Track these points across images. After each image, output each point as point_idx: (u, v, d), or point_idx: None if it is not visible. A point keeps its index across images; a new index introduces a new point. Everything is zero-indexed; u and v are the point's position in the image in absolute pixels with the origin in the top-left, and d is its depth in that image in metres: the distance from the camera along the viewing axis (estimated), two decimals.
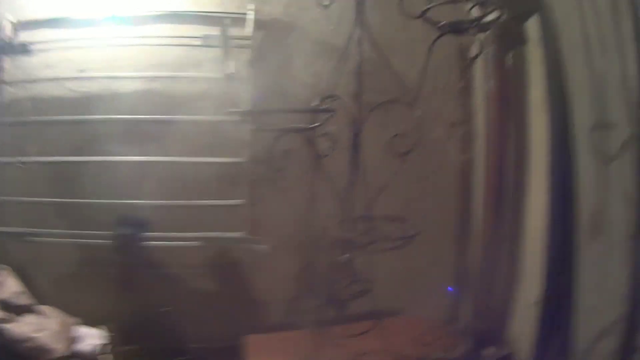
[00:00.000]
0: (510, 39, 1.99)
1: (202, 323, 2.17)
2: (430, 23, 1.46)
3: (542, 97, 1.87)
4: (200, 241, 2.03)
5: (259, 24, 2.07)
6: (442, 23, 1.44)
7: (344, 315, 1.87)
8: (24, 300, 1.89)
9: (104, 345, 1.93)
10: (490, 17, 1.45)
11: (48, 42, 1.98)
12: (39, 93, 2.00)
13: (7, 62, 1.98)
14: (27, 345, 1.69)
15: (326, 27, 1.72)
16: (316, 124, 1.55)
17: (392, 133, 1.63)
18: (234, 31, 1.99)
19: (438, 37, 1.50)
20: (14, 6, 1.97)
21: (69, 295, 2.03)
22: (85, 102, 2.01)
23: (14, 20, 1.95)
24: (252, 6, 2.02)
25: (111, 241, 1.97)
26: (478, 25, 1.43)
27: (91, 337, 1.93)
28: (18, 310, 1.82)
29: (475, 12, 1.47)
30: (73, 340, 1.86)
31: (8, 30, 1.94)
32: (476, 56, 1.61)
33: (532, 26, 1.92)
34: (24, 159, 1.96)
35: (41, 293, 2.02)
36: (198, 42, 2.02)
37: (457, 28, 1.48)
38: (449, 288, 2.36)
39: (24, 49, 1.97)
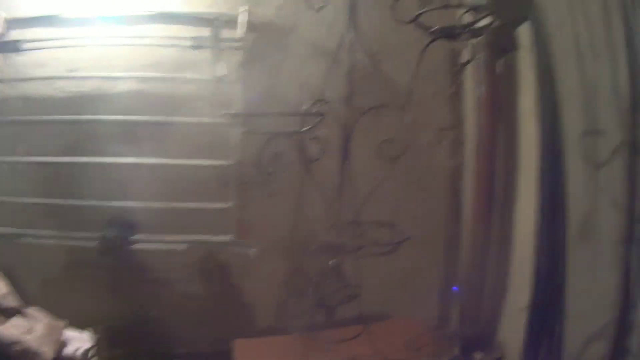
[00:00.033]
0: (501, 45, 2.00)
1: (190, 327, 2.16)
2: (422, 28, 1.45)
3: (533, 103, 1.88)
4: (188, 244, 2.01)
5: (251, 26, 2.06)
6: (434, 28, 1.43)
7: (333, 319, 1.86)
8: (12, 302, 1.87)
9: (92, 348, 1.91)
10: (482, 23, 1.45)
11: (40, 40, 1.95)
12: (30, 92, 1.98)
13: None
14: (15, 348, 1.67)
15: (318, 31, 1.71)
16: (306, 128, 1.53)
17: (382, 137, 1.63)
18: (226, 33, 1.99)
19: (430, 42, 1.50)
20: (6, 3, 1.95)
21: (57, 297, 2.00)
22: (76, 102, 1.99)
23: (6, 17, 1.93)
24: (245, 8, 2.01)
25: (99, 243, 1.95)
26: (470, 31, 1.43)
27: (79, 340, 1.91)
28: (6, 312, 1.80)
29: (468, 18, 1.46)
30: (61, 343, 1.85)
31: (0, 27, 1.92)
32: (468, 62, 1.60)
33: (524, 32, 1.92)
34: (6, 158, 1.93)
35: (29, 295, 2.00)
36: (189, 43, 2.00)
37: (449, 33, 1.47)
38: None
39: (15, 47, 1.94)
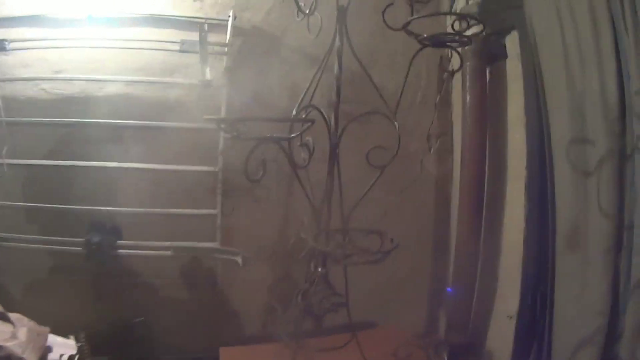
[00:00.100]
0: (490, 53, 2.01)
1: (177, 334, 2.13)
2: (412, 35, 1.44)
3: (521, 111, 1.89)
4: (173, 250, 1.97)
5: (238, 31, 2.05)
6: (423, 36, 1.42)
7: (321, 327, 1.84)
8: None
9: (76, 354, 1.86)
10: (471, 31, 1.45)
11: (25, 40, 1.92)
12: (14, 93, 1.94)
13: None
14: None
15: (306, 36, 1.70)
16: (295, 134, 1.51)
17: (371, 145, 1.62)
18: (213, 37, 1.96)
19: (419, 50, 1.49)
20: None
21: (41, 302, 1.94)
22: (61, 104, 1.96)
23: None
24: (232, 12, 2.00)
25: (84, 248, 1.91)
26: (459, 38, 1.43)
27: (63, 346, 1.86)
28: None
29: (457, 26, 1.46)
30: (45, 349, 1.80)
31: None
32: (457, 70, 1.60)
33: (512, 41, 1.94)
34: None
35: (12, 300, 1.96)
36: (176, 47, 1.98)
37: (438, 41, 1.47)
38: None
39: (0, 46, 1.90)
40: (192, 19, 2.00)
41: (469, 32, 1.46)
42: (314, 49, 2.07)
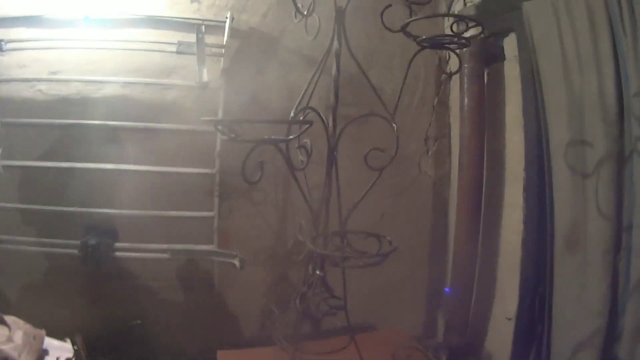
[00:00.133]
0: (488, 55, 2.01)
1: (174, 336, 2.11)
2: (410, 37, 1.44)
3: (519, 113, 1.89)
4: (170, 253, 1.96)
5: (235, 33, 2.04)
6: (422, 37, 1.42)
7: (318, 330, 1.83)
8: None
9: (72, 357, 1.84)
10: (469, 33, 1.44)
11: (22, 40, 1.91)
12: (10, 93, 1.92)
13: None
14: None
15: (304, 38, 1.70)
16: (292, 136, 1.50)
17: (368, 147, 1.61)
18: (210, 39, 1.96)
19: (418, 51, 1.49)
20: None
21: (36, 305, 1.92)
22: (57, 105, 1.94)
23: None
24: (229, 14, 1.99)
25: (80, 251, 1.89)
26: (458, 40, 1.42)
27: (59, 349, 1.84)
28: None
29: (455, 28, 1.45)
30: (41, 352, 1.78)
31: None
32: (455, 72, 1.60)
33: (511, 43, 1.94)
34: None
35: (8, 303, 1.95)
36: (173, 48, 1.98)
37: (437, 43, 1.46)
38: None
39: None
40: (189, 20, 1.99)
41: (467, 34, 1.45)
42: (311, 50, 2.08)
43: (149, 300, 2.07)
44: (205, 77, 1.93)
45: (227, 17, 1.98)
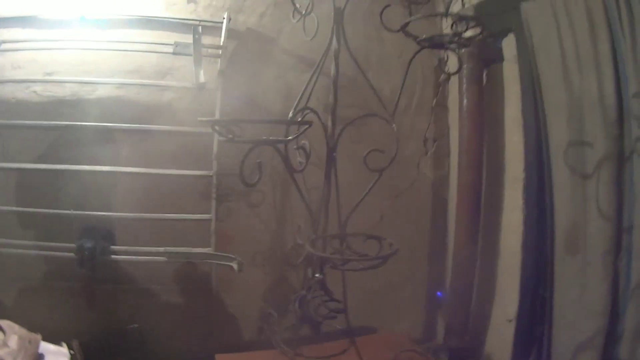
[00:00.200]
0: (486, 55, 2.01)
1: (171, 341, 2.09)
2: (410, 37, 1.43)
3: (518, 114, 1.89)
4: (167, 256, 1.94)
5: (232, 34, 2.03)
6: (422, 37, 1.41)
7: (318, 334, 1.82)
8: None
9: None
10: (469, 33, 1.44)
11: (16, 41, 1.89)
12: (4, 95, 1.90)
13: None
14: None
15: (301, 39, 1.69)
16: (291, 137, 1.49)
17: (366, 148, 1.60)
18: (207, 40, 1.95)
19: (418, 51, 1.48)
20: None
21: (31, 309, 1.92)
22: (52, 106, 1.92)
23: None
24: (226, 15, 1.98)
25: (75, 254, 1.87)
26: (458, 40, 1.41)
27: (55, 354, 1.82)
28: None
29: (454, 28, 1.44)
30: (36, 357, 1.76)
31: None
32: (454, 72, 1.59)
33: (510, 43, 1.94)
34: None
35: (1, 307, 1.93)
36: (169, 49, 1.96)
37: (436, 43, 1.45)
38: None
39: None
40: (185, 21, 1.98)
41: (466, 35, 1.45)
42: (309, 52, 2.07)
43: (146, 304, 2.05)
44: (202, 78, 1.91)
45: (224, 18, 1.97)
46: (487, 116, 2.03)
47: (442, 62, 1.83)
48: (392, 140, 1.60)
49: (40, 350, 1.79)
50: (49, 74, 1.92)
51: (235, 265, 1.89)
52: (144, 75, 1.99)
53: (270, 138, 1.49)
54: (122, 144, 1.98)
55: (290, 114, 1.58)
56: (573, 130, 1.61)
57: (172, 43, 1.95)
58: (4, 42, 1.87)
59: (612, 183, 1.51)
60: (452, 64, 1.65)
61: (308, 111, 1.57)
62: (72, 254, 1.88)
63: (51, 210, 1.90)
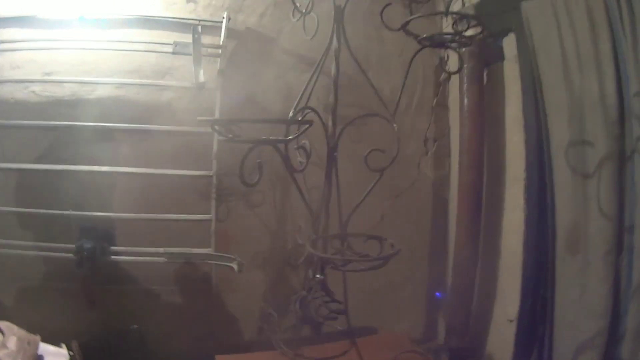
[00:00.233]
0: (487, 55, 2.00)
1: (170, 342, 2.09)
2: (411, 35, 1.42)
3: (519, 114, 1.88)
4: (167, 256, 1.94)
5: (231, 33, 2.03)
6: (423, 36, 1.40)
7: (318, 334, 1.82)
8: None
9: None
10: (470, 32, 1.43)
11: (15, 41, 1.88)
12: (2, 95, 1.90)
13: None
14: None
15: (301, 39, 1.69)
16: (291, 137, 1.49)
17: (366, 148, 1.60)
18: (206, 39, 1.94)
19: (419, 50, 1.47)
20: None
21: (30, 310, 1.91)
22: (51, 106, 1.92)
23: None
24: (226, 14, 1.97)
25: (74, 254, 1.86)
26: (460, 39, 1.41)
27: (54, 355, 1.81)
28: None
29: (455, 27, 1.44)
30: (34, 358, 1.75)
31: None
32: (455, 71, 1.59)
33: (509, 43, 1.93)
34: None
35: (0, 308, 1.93)
36: (168, 49, 1.95)
37: (437, 42, 1.45)
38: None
39: None
40: (185, 21, 1.98)
41: (467, 34, 1.44)
42: (308, 51, 2.07)
43: (146, 305, 2.05)
44: (201, 78, 1.91)
45: (223, 18, 1.97)
46: (487, 116, 2.03)
47: (442, 62, 1.84)
48: (393, 140, 1.59)
49: (40, 351, 1.78)
50: (48, 74, 1.91)
51: (235, 266, 1.88)
52: (144, 75, 1.98)
53: (271, 138, 1.49)
54: (122, 144, 1.97)
55: (291, 114, 1.57)
56: (574, 130, 1.60)
57: (172, 43, 1.94)
58: (3, 42, 1.87)
59: (613, 183, 1.50)
60: (452, 63, 1.65)
61: (309, 111, 1.56)
62: (71, 255, 1.87)
63: (50, 211, 1.90)
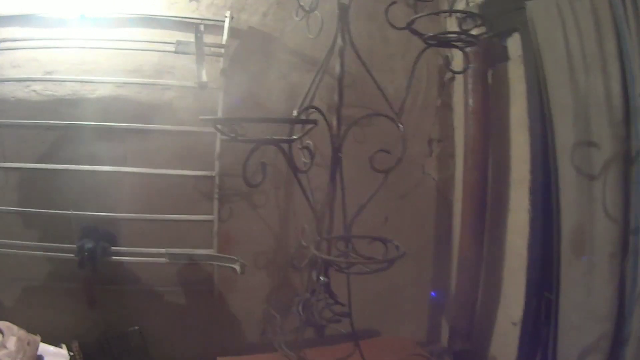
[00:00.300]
0: (492, 55, 1.99)
1: (172, 343, 2.08)
2: (416, 34, 1.41)
3: (524, 114, 1.87)
4: (169, 257, 1.93)
5: (234, 32, 2.01)
6: (428, 35, 1.39)
7: (321, 337, 1.80)
8: None
9: None
10: (475, 32, 1.42)
11: (16, 40, 1.87)
12: (3, 94, 1.89)
13: None
14: None
15: (304, 38, 1.68)
16: (295, 136, 1.47)
17: (370, 148, 1.58)
18: (209, 38, 1.93)
19: (424, 50, 1.46)
20: None
21: (31, 310, 1.91)
22: (52, 106, 1.91)
23: None
24: (228, 13, 1.96)
25: (75, 254, 1.85)
26: (466, 38, 1.39)
27: (54, 356, 1.81)
28: None
29: (461, 26, 1.43)
30: (34, 359, 1.74)
31: None
32: (460, 71, 1.57)
33: (514, 43, 1.92)
34: None
35: (0, 308, 1.91)
36: (171, 48, 1.93)
37: (443, 41, 1.43)
38: (432, 293, 2.33)
39: None
40: (187, 20, 1.97)
41: (474, 32, 1.43)
42: (312, 50, 2.06)
43: (147, 306, 2.04)
44: (204, 77, 1.89)
45: (226, 17, 1.96)
46: (492, 116, 2.02)
47: (447, 61, 1.83)
48: (397, 140, 1.58)
49: (40, 351, 1.77)
50: (49, 73, 1.90)
51: (237, 267, 1.87)
52: (146, 74, 1.97)
53: (274, 137, 1.47)
54: (123, 144, 1.96)
55: (295, 113, 1.56)
56: (579, 131, 1.59)
57: (174, 42, 1.93)
58: (4, 40, 1.86)
59: (619, 184, 1.49)
60: (456, 63, 1.64)
61: (313, 110, 1.55)
62: (72, 255, 1.86)
63: (51, 211, 1.89)
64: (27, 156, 1.90)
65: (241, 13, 2.07)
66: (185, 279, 2.06)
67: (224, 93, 1.96)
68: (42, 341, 1.80)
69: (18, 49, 1.87)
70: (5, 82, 1.88)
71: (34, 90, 1.90)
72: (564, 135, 1.64)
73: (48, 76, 1.90)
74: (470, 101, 2.00)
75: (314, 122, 1.44)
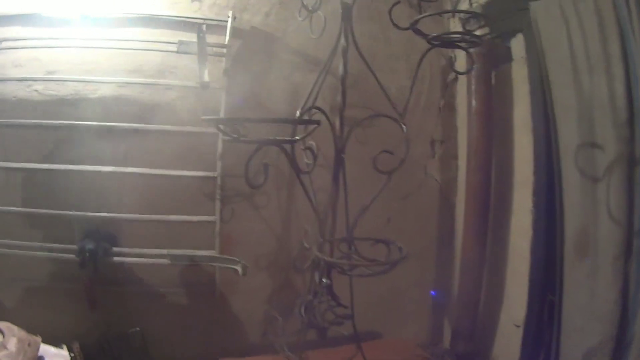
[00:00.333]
0: (495, 56, 1.98)
1: (173, 345, 2.07)
2: (420, 35, 1.40)
3: (527, 116, 1.87)
4: (170, 258, 1.92)
5: (237, 32, 2.01)
6: (432, 35, 1.38)
7: (323, 339, 1.80)
8: None
9: None
10: (479, 32, 1.41)
11: (18, 39, 1.87)
12: (5, 93, 1.88)
13: None
14: None
15: (306, 38, 1.67)
16: (298, 137, 1.46)
17: (372, 149, 1.58)
18: (211, 38, 1.92)
19: (428, 50, 1.45)
20: None
21: (31, 311, 1.89)
22: (54, 105, 1.90)
23: None
24: (231, 13, 1.96)
25: (76, 255, 1.85)
26: (470, 38, 1.39)
27: (55, 357, 1.81)
28: None
29: (464, 26, 1.42)
30: None
31: None
32: (464, 72, 1.57)
33: (517, 44, 1.92)
34: None
35: (1, 309, 1.91)
36: (173, 48, 1.93)
37: (447, 41, 1.43)
38: (432, 292, 2.32)
39: None
40: (190, 20, 1.96)
41: (477, 32, 1.42)
42: (314, 51, 2.06)
43: (148, 307, 2.03)
44: (206, 77, 1.89)
45: (228, 17, 1.96)
46: (495, 117, 2.01)
47: (450, 62, 1.82)
48: (399, 141, 1.57)
49: (40, 352, 1.77)
50: (51, 73, 1.90)
51: (239, 269, 1.86)
52: (148, 74, 1.97)
53: (277, 138, 1.46)
54: (125, 144, 1.95)
55: (298, 113, 1.55)
56: (583, 132, 1.59)
57: (176, 42, 1.93)
58: (5, 40, 1.86)
59: (622, 186, 1.49)
60: (460, 64, 1.63)
61: (316, 111, 1.54)
62: (73, 256, 1.85)
63: (52, 211, 1.88)
64: (29, 156, 1.90)
65: (244, 13, 2.07)
66: (187, 280, 2.05)
67: (226, 93, 1.95)
68: (43, 342, 1.79)
69: (20, 48, 1.87)
70: (7, 82, 1.87)
71: (36, 90, 1.90)
72: (568, 137, 1.64)
73: (50, 76, 1.89)
74: (474, 102, 2.00)
75: (317, 122, 1.43)
